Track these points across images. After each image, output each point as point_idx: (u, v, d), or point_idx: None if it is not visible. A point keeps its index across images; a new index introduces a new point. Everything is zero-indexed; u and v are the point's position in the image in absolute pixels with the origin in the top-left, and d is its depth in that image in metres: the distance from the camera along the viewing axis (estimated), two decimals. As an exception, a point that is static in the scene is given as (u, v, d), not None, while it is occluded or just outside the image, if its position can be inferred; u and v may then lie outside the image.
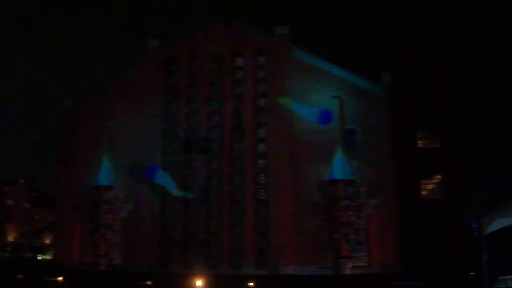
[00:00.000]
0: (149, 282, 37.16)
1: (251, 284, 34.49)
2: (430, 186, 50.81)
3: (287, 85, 51.78)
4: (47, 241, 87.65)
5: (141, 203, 52.52)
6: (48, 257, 77.80)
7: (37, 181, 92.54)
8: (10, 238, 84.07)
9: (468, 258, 43.85)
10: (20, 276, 40.47)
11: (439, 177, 50.48)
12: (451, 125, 50.65)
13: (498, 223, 17.45)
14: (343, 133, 49.97)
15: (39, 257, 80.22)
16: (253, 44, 54.32)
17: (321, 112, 49.28)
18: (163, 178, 53.37)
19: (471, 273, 40.03)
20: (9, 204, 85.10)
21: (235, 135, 53.42)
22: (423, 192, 50.51)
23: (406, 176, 48.80)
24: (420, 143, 51.37)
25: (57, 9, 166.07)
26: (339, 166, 49.07)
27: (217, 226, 51.52)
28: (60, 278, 36.40)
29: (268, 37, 53.87)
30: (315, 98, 50.84)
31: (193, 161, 53.38)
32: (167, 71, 55.85)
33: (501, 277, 27.61)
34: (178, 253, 51.49)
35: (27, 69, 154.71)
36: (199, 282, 29.59)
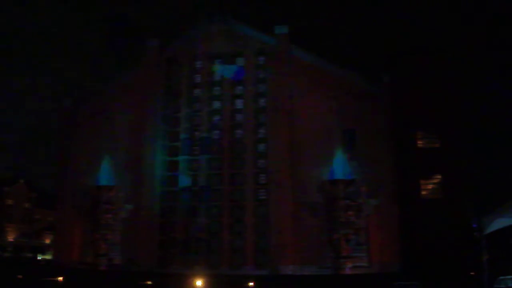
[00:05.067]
0: (149, 282, 37.22)
1: (251, 284, 34.56)
2: (430, 186, 50.69)
3: (287, 85, 51.75)
4: (47, 241, 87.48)
5: (141, 203, 52.52)
6: (48, 257, 77.69)
7: (37, 181, 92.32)
8: (10, 238, 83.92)
9: (468, 258, 43.92)
10: (20, 276, 40.52)
11: (439, 177, 50.37)
12: (451, 125, 50.58)
13: (498, 223, 17.47)
14: (343, 133, 49.93)
15: (39, 257, 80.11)
16: (253, 44, 54.31)
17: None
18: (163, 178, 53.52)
19: (471, 273, 40.03)
20: (9, 204, 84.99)
21: (235, 135, 53.43)
22: (423, 192, 50.38)
23: (406, 176, 48.75)
24: (420, 143, 51.24)
25: (57, 9, 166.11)
26: (339, 166, 49.05)
27: (217, 226, 51.51)
28: (60, 278, 36.47)
29: (268, 37, 53.85)
30: (315, 98, 50.79)
31: (193, 161, 53.41)
32: (167, 71, 55.86)
33: (501, 277, 27.66)
34: (178, 253, 51.47)
35: (27, 69, 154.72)
36: (199, 282, 29.69)
